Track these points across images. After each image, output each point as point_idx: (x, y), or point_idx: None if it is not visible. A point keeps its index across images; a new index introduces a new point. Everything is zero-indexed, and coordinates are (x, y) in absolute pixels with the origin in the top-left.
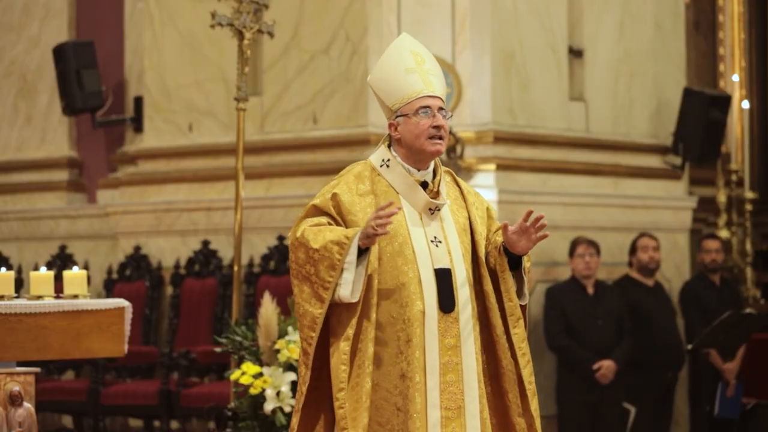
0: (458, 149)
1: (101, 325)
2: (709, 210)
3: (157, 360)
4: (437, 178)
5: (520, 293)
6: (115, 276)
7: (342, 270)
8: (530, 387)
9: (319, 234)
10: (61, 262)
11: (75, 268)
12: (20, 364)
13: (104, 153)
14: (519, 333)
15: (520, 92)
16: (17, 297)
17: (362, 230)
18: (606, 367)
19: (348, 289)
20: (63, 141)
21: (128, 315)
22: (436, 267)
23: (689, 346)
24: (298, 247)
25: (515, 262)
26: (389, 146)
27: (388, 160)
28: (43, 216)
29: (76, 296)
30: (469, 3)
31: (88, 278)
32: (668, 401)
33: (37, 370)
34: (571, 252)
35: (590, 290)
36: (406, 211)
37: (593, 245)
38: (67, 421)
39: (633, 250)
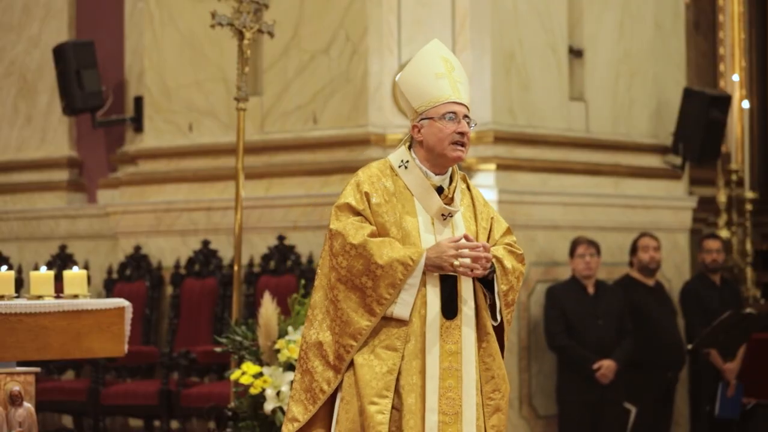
0: None
1: (101, 325)
2: (710, 210)
3: (157, 360)
4: (453, 184)
5: (493, 314)
6: (115, 276)
7: (401, 289)
8: (490, 403)
9: (383, 248)
10: (61, 261)
11: (75, 268)
12: (20, 363)
13: (104, 153)
14: (486, 348)
15: (520, 92)
16: (17, 297)
17: (431, 257)
18: (606, 367)
19: (408, 310)
20: (63, 141)
21: (128, 315)
22: (443, 273)
23: (689, 346)
24: (357, 257)
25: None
26: (409, 147)
27: (407, 161)
28: (44, 216)
29: (76, 296)
30: (469, 3)
31: (88, 278)
32: (668, 401)
33: (37, 370)
34: (572, 252)
35: (590, 290)
36: (420, 215)
37: (594, 245)
38: (68, 421)
39: (633, 250)
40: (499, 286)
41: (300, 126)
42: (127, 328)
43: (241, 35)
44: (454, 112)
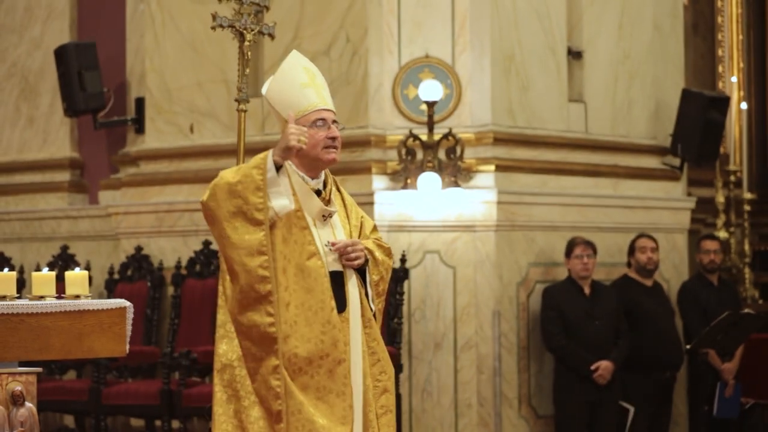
0: (458, 150)
1: (103, 325)
2: (708, 210)
3: (158, 360)
4: (328, 187)
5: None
6: (116, 276)
7: (266, 188)
8: (378, 385)
9: (232, 171)
10: (62, 262)
11: (77, 269)
12: (22, 363)
13: (106, 154)
14: (369, 333)
15: (519, 93)
16: (19, 297)
17: (277, 147)
18: (604, 368)
19: (282, 199)
20: (65, 142)
21: (130, 315)
22: (330, 270)
23: (688, 346)
24: (216, 191)
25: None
26: None
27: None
28: (45, 217)
29: (77, 296)
30: (469, 4)
31: (90, 278)
32: (667, 401)
33: (39, 370)
34: (568, 252)
35: (587, 291)
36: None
37: (590, 246)
38: (69, 420)
39: (631, 250)
40: (371, 276)
41: None
42: (129, 328)
43: (241, 37)
44: (323, 119)
